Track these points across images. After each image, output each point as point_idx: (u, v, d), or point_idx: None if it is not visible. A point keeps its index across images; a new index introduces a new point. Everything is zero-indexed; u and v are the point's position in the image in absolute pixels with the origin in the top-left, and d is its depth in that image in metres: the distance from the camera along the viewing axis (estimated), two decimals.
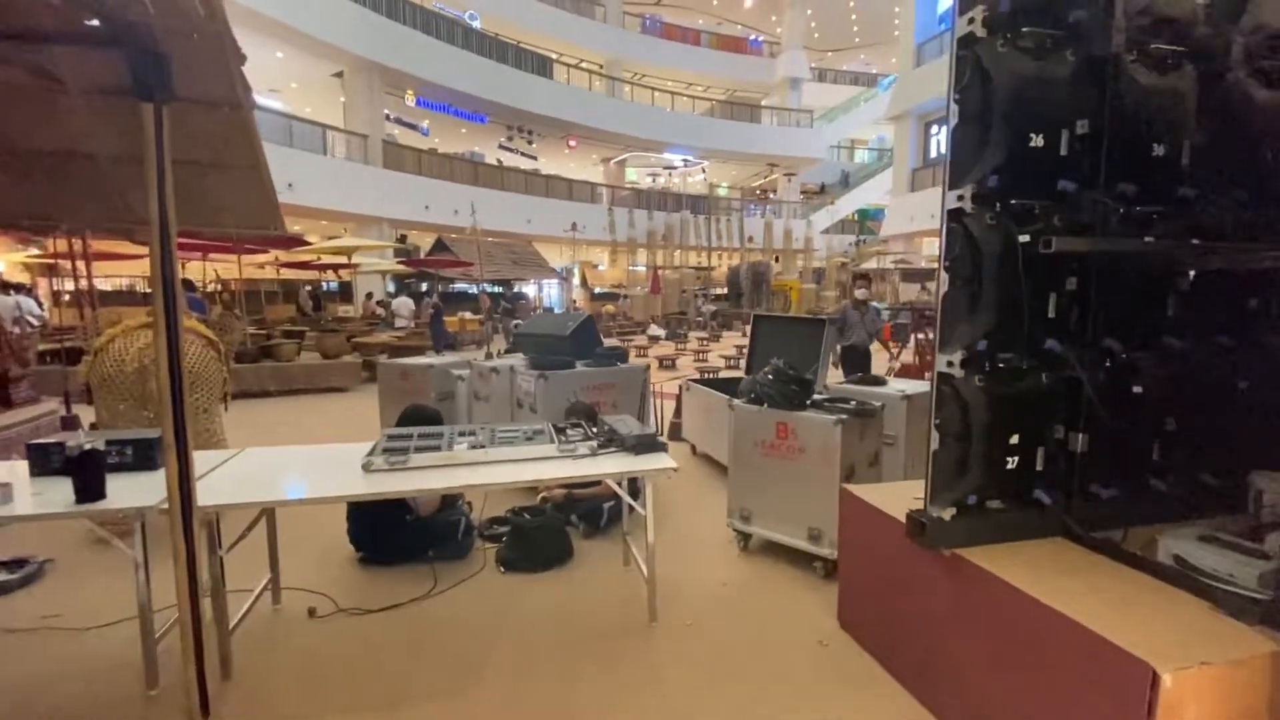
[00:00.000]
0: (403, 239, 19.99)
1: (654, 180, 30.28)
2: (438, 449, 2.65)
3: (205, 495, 2.10)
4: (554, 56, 25.03)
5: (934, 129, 23.17)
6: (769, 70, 30.94)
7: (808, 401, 3.30)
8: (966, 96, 1.89)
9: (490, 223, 15.62)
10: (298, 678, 2.40)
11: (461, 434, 2.82)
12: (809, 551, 3.19)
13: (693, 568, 3.27)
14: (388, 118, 20.73)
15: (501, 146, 25.21)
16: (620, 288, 26.50)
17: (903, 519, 2.30)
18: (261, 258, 13.75)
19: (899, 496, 2.53)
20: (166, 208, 1.83)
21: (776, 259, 27.39)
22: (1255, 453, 2.24)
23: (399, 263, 16.20)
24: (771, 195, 31.71)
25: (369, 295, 16.52)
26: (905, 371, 8.05)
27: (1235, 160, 2.04)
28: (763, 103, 30.65)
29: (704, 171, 29.53)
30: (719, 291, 26.19)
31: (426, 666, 2.45)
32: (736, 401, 3.44)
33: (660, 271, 23.66)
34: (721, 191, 31.83)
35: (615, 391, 4.49)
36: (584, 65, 26.60)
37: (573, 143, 26.26)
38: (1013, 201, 1.93)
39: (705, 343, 15.51)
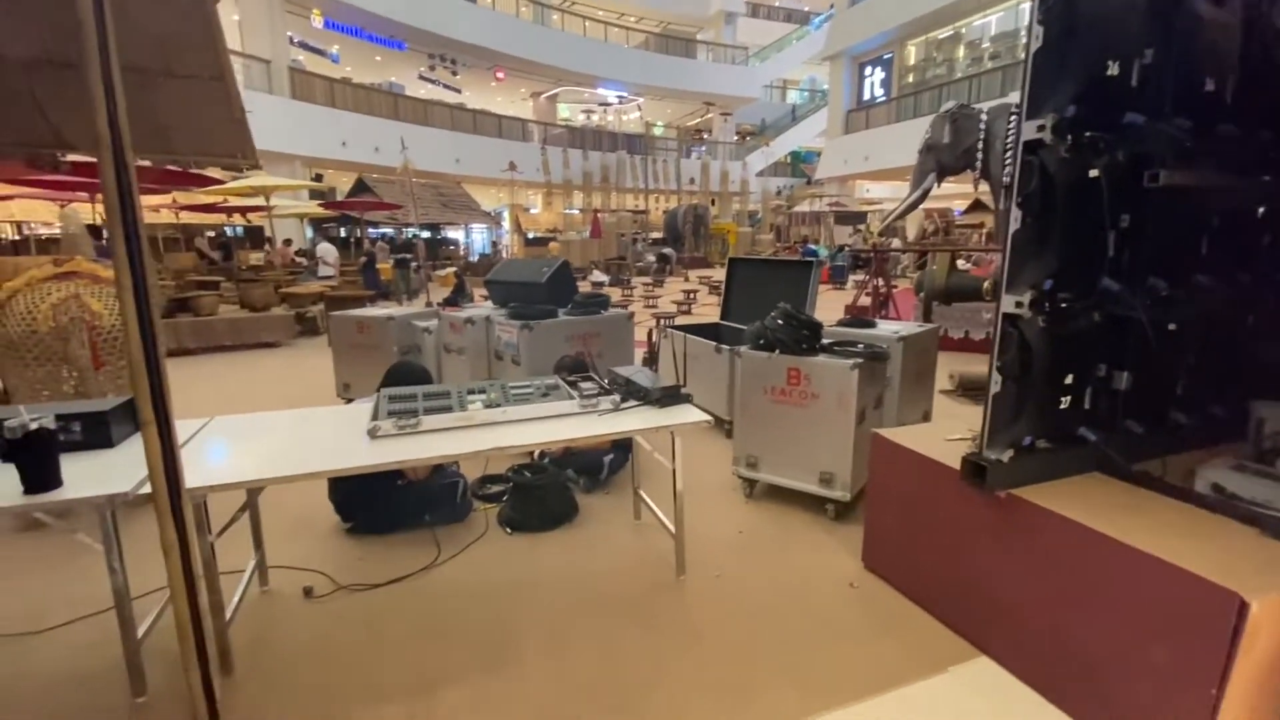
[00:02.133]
0: (318, 179, 18.34)
1: (588, 117, 29.03)
2: (449, 409, 2.40)
3: (188, 474, 1.80)
4: None
5: (868, 70, 23.27)
6: (703, 3, 29.85)
7: (818, 346, 3.24)
8: (1051, 15, 1.76)
9: (415, 161, 14.52)
10: (308, 666, 2.17)
11: (471, 392, 2.57)
12: (820, 495, 3.19)
13: (704, 517, 3.22)
14: (291, 41, 18.60)
15: (422, 77, 23.33)
16: (556, 232, 25.67)
17: (942, 461, 2.31)
18: (157, 199, 12.23)
19: (930, 438, 2.54)
20: (120, 127, 1.45)
21: (714, 202, 27.22)
22: (1257, 383, 2.36)
23: (318, 205, 14.86)
24: (706, 135, 31.19)
25: (287, 241, 15.16)
26: (860, 311, 8.23)
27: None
28: (698, 37, 29.68)
29: (640, 109, 28.56)
30: (655, 235, 25.88)
31: (450, 643, 2.29)
32: (744, 348, 3.33)
33: (599, 215, 23.01)
34: (658, 131, 31.01)
35: (600, 341, 4.30)
36: None
37: (500, 74, 24.65)
38: (1086, 134, 1.84)
39: (651, 288, 15.34)
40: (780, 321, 3.23)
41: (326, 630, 2.37)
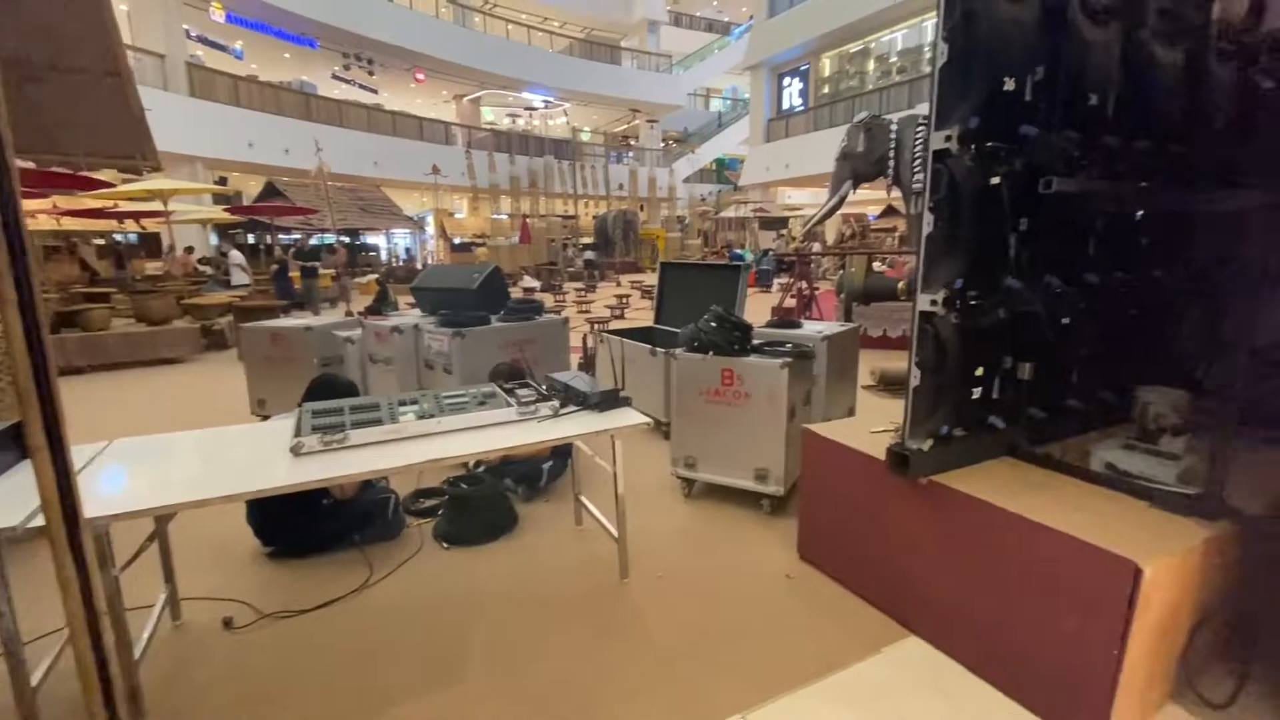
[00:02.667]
0: (223, 182, 17.16)
1: (514, 121, 28.63)
2: (379, 422, 2.30)
3: (86, 503, 1.64)
4: None
5: (787, 80, 24.17)
6: (626, 9, 30.13)
7: (749, 347, 3.33)
8: (955, 34, 1.90)
9: (331, 164, 13.80)
10: (231, 702, 2.03)
11: (402, 403, 2.47)
12: (756, 490, 3.28)
13: (645, 519, 3.23)
14: (189, 35, 17.36)
15: (335, 77, 22.34)
16: (483, 237, 25.12)
17: (869, 453, 2.43)
18: (34, 204, 11.09)
19: (856, 432, 2.67)
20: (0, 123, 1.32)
21: (642, 207, 27.47)
22: (1140, 370, 2.63)
23: (223, 210, 13.90)
24: (633, 142, 31.46)
25: (189, 249, 14.09)
26: (785, 312, 8.53)
27: (1153, 112, 2.27)
28: (622, 45, 29.91)
29: (566, 114, 28.44)
30: (586, 241, 25.84)
31: (390, 665, 2.19)
32: (679, 351, 3.38)
33: (528, 220, 22.74)
34: (585, 136, 30.99)
35: (535, 347, 4.25)
36: None
37: (420, 76, 23.95)
38: (988, 144, 2.00)
39: (584, 293, 15.29)
40: (713, 324, 3.31)
41: (251, 662, 2.22)
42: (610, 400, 2.60)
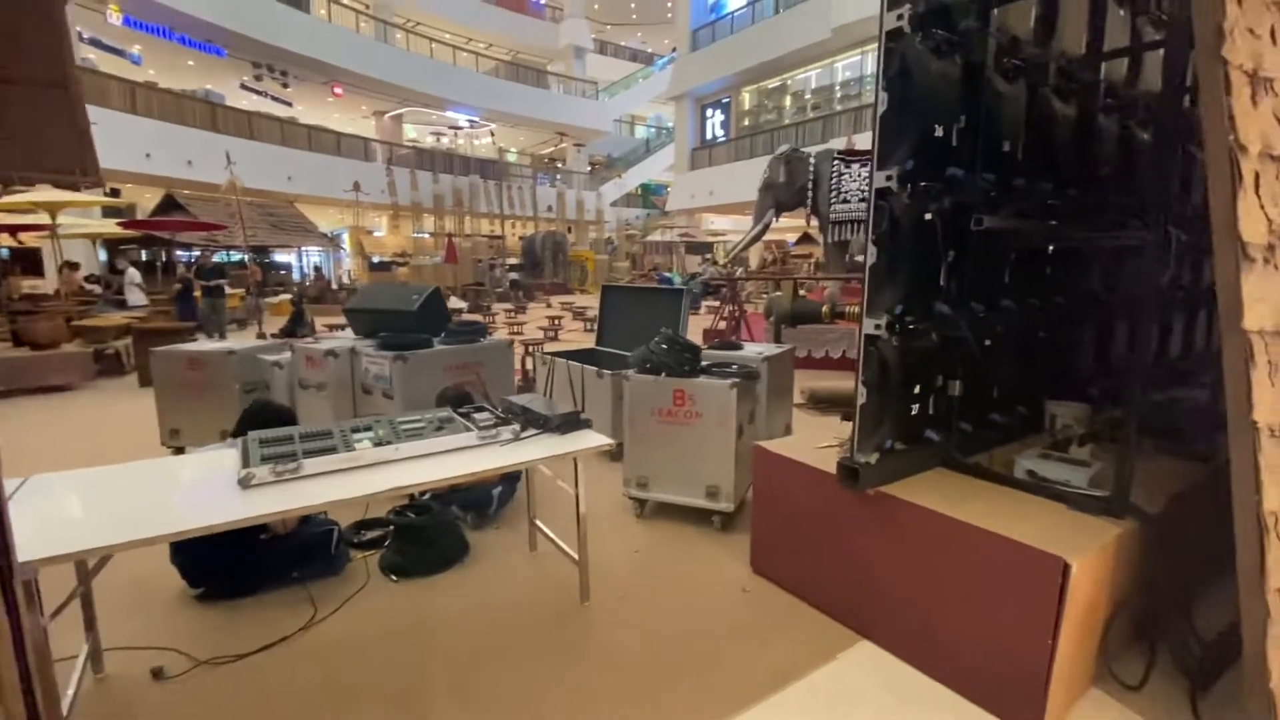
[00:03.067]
0: (115, 194, 15.78)
1: (438, 140, 28.08)
2: (333, 450, 2.22)
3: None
4: None
5: (709, 112, 25.12)
6: (552, 35, 30.46)
7: (698, 368, 3.44)
8: (893, 85, 2.10)
9: (243, 179, 12.98)
10: None
11: (356, 430, 2.39)
12: (707, 508, 3.37)
13: (600, 541, 3.23)
14: (80, 37, 16.01)
15: (244, 87, 21.16)
16: (405, 256, 24.29)
17: (817, 467, 2.57)
18: None
19: (804, 448, 2.81)
20: None
21: (570, 229, 27.56)
22: (1049, 386, 2.94)
23: (116, 224, 12.76)
24: (560, 165, 31.61)
25: (73, 265, 12.80)
26: (717, 334, 8.80)
27: (1054, 158, 2.59)
28: (549, 69, 30.15)
29: (492, 135, 28.22)
30: (513, 261, 25.59)
31: (343, 707, 2.09)
32: (631, 373, 3.45)
33: (454, 239, 22.28)
34: (511, 157, 30.82)
35: (481, 370, 4.18)
36: (346, 1, 23.41)
37: (338, 90, 23.13)
38: (922, 183, 2.21)
39: (513, 315, 15.10)
40: (664, 346, 3.40)
41: (186, 713, 2.05)
42: (571, 422, 2.63)
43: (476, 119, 27.17)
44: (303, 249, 23.86)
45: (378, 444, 2.30)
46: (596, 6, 31.94)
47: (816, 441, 2.93)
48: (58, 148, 1.62)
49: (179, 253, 17.22)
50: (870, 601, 2.41)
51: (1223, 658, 2.23)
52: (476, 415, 2.70)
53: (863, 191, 10.93)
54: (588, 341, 9.60)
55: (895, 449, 2.40)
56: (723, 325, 9.39)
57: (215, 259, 15.32)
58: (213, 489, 2.04)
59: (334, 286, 19.78)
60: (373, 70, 22.44)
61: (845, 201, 10.98)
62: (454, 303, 16.67)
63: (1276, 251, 1.75)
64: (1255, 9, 1.72)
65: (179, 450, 4.51)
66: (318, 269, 22.77)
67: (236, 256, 18.69)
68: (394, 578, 2.90)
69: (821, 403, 6.06)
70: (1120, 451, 2.11)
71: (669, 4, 28.96)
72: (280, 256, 23.43)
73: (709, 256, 24.97)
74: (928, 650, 2.22)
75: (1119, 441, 2.10)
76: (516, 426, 2.56)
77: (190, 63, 19.83)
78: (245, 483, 2.01)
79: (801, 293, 11.35)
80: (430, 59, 25.33)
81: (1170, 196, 2.16)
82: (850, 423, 4.57)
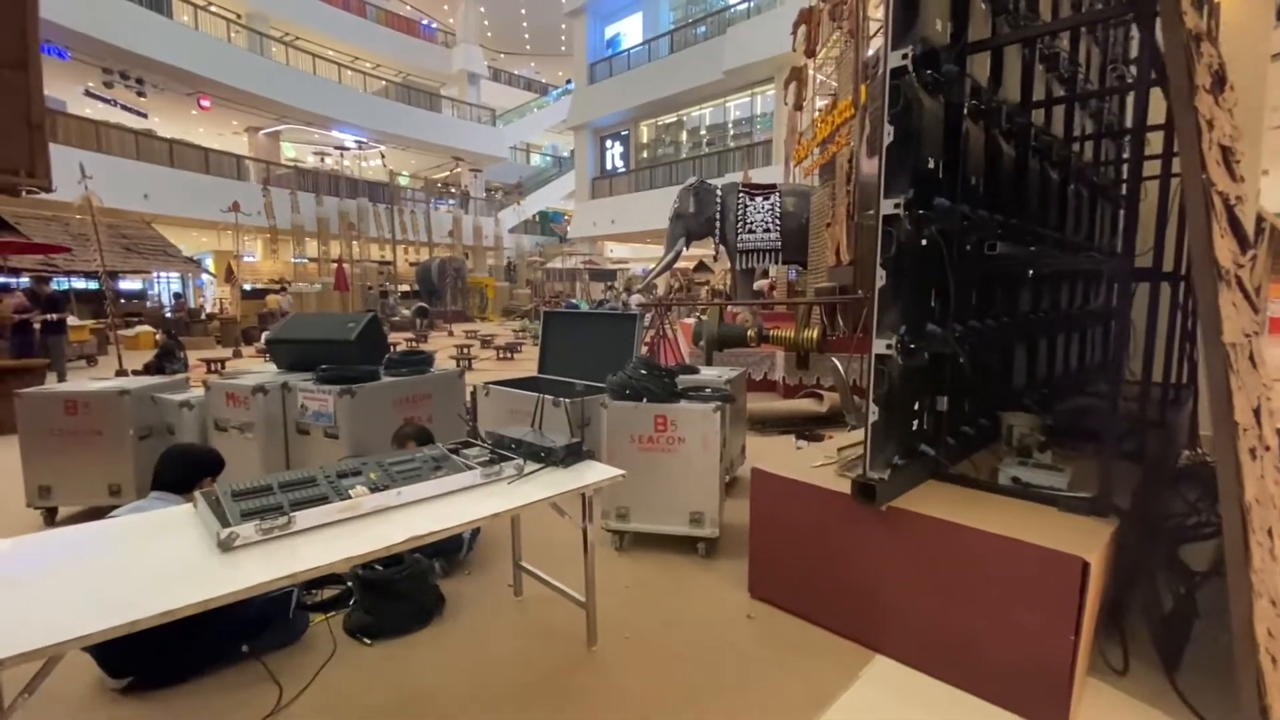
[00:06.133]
0: None
1: (322, 160, 26.33)
2: (324, 499, 1.93)
3: None
4: None
5: (609, 143, 25.64)
6: (444, 60, 29.86)
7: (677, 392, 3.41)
8: (897, 119, 2.23)
9: (100, 196, 11.30)
10: None
11: (342, 475, 2.10)
12: (691, 535, 3.31)
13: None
14: None
15: (90, 94, 18.75)
16: (283, 282, 22.29)
17: (824, 487, 2.61)
18: None
19: (800, 468, 2.85)
20: None
21: (467, 255, 26.78)
22: (1005, 399, 3.19)
23: None
24: (454, 190, 30.74)
25: None
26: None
27: (1010, 192, 2.86)
28: (441, 93, 29.43)
29: (383, 157, 26.92)
30: (405, 288, 24.40)
31: None
32: (609, 399, 3.34)
33: (343, 265, 20.85)
34: (404, 180, 29.53)
35: (431, 403, 3.88)
36: (214, 9, 21.57)
37: (205, 103, 21.11)
38: (920, 211, 2.34)
39: (415, 344, 14.29)
40: (644, 371, 3.33)
41: None
42: (575, 454, 2.48)
43: (365, 140, 25.84)
44: (159, 275, 21.27)
45: (374, 489, 2.03)
46: (490, 35, 31.81)
47: (788, 460, 2.99)
48: (2, 140, 1.30)
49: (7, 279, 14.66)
50: (883, 616, 2.45)
51: (1183, 632, 2.50)
52: (468, 451, 2.48)
53: (767, 223, 11.62)
54: (504, 371, 9.36)
55: (899, 464, 2.49)
56: (645, 350, 9.43)
57: (55, 286, 13.27)
58: (182, 556, 1.70)
59: (204, 317, 17.73)
60: (247, 83, 20.76)
61: (751, 232, 11.60)
62: None
63: (1230, 275, 2.02)
64: (1203, 71, 2.01)
65: (51, 512, 3.78)
66: (178, 296, 20.36)
67: (79, 284, 16.32)
68: (366, 641, 2.56)
69: (759, 423, 6.22)
70: (1102, 455, 2.32)
71: (563, 37, 29.47)
72: (127, 283, 20.67)
73: (613, 284, 25.21)
74: (948, 659, 2.28)
75: (1078, 448, 2.31)
76: (519, 462, 2.37)
77: None
78: (227, 544, 1.69)
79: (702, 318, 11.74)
80: (312, 75, 23.86)
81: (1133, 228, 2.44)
82: (810, 441, 4.70)
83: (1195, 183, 1.86)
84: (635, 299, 20.14)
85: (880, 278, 2.29)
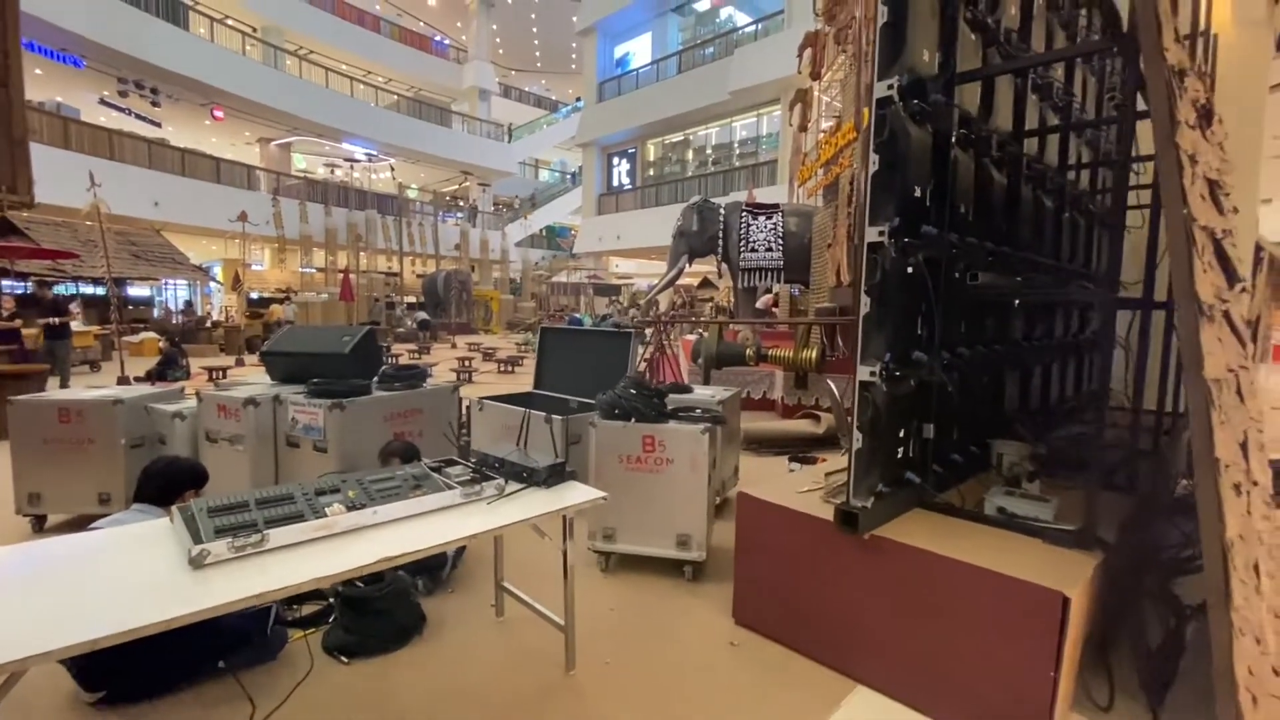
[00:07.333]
0: None
1: (332, 172, 26.66)
2: (300, 517, 1.93)
3: None
4: (188, 1, 20.08)
5: (616, 160, 25.87)
6: (456, 76, 30.32)
7: (666, 413, 3.40)
8: (883, 148, 2.24)
9: (108, 203, 11.44)
10: None
11: (320, 492, 2.10)
12: (678, 558, 3.28)
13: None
14: None
15: (105, 102, 19.10)
16: (289, 292, 22.46)
17: (806, 512, 2.59)
18: None
19: (786, 493, 2.83)
20: None
21: (473, 268, 26.96)
22: (997, 426, 3.17)
23: None
24: (462, 204, 31.03)
25: None
26: (642, 374, 8.80)
27: (1002, 220, 2.86)
28: (452, 109, 29.83)
29: (392, 169, 27.23)
30: (410, 300, 24.54)
31: None
32: (598, 419, 3.34)
33: (349, 276, 21.01)
34: (412, 193, 29.82)
35: (422, 419, 3.88)
36: (231, 22, 21.99)
37: (219, 114, 21.45)
38: (905, 240, 2.35)
39: (417, 356, 14.34)
40: (633, 390, 3.33)
41: None
42: (558, 474, 2.47)
43: (375, 153, 26.17)
44: (168, 282, 21.49)
45: (351, 507, 2.03)
46: (501, 51, 32.30)
47: (777, 484, 2.97)
48: None
49: (5, 283, 14.78)
50: (865, 646, 2.42)
51: (1170, 666, 2.45)
52: (450, 470, 2.48)
53: (769, 242, 11.68)
54: (503, 384, 9.39)
55: (883, 492, 2.47)
56: (643, 367, 9.44)
57: (57, 291, 13.42)
58: (153, 572, 1.70)
59: (210, 325, 17.85)
60: (260, 95, 21.12)
61: (753, 250, 11.65)
62: None
63: (1214, 310, 2.01)
64: (1186, 105, 2.02)
65: (40, 519, 3.79)
66: (188, 304, 20.52)
67: (87, 290, 16.47)
68: (344, 659, 2.55)
69: (755, 443, 6.20)
70: (1087, 488, 2.30)
71: (574, 55, 29.89)
72: (135, 290, 20.89)
73: (616, 299, 25.29)
74: (927, 691, 2.25)
75: (1068, 478, 2.29)
76: (500, 481, 2.37)
77: (38, 71, 17.59)
78: (198, 562, 1.69)
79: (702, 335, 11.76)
80: (325, 88, 24.25)
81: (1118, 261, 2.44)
82: (802, 464, 4.67)
83: (1177, 218, 1.86)
84: (613, 311, 20.15)
85: (865, 304, 2.29)
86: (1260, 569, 2.40)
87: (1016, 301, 3.20)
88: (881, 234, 2.24)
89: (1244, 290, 2.77)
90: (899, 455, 2.53)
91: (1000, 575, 2.06)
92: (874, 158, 2.24)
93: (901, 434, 2.52)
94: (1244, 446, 2.36)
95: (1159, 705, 2.25)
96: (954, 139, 2.61)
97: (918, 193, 2.40)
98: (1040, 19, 3.48)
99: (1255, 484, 2.54)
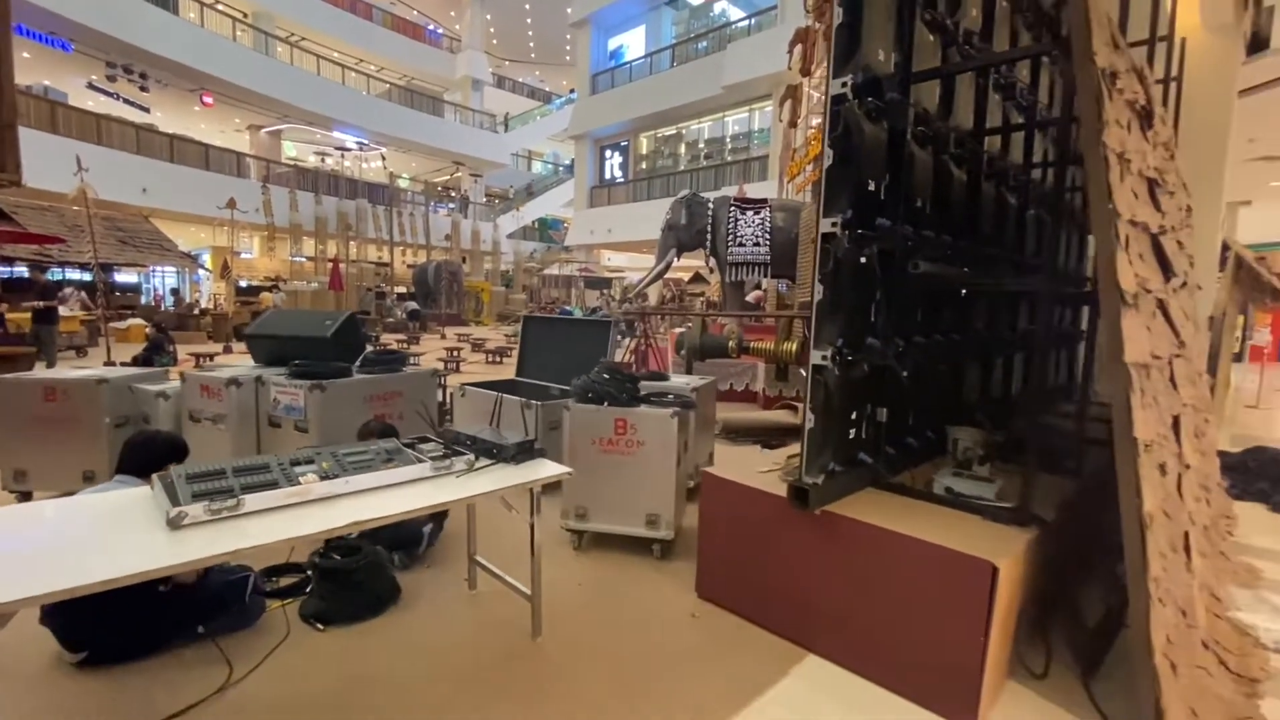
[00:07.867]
0: None
1: (323, 160, 26.52)
2: (275, 484, 2.03)
3: None
4: None
5: (608, 153, 25.87)
6: (449, 65, 30.15)
7: (638, 397, 3.52)
8: (837, 143, 2.35)
9: (96, 188, 11.41)
10: None
11: (295, 463, 2.20)
12: (647, 537, 3.41)
13: (543, 575, 3.16)
14: None
15: (93, 87, 18.92)
16: (278, 280, 22.37)
17: (764, 490, 2.72)
18: None
19: (747, 473, 2.95)
20: None
21: (465, 259, 26.93)
22: (953, 412, 3.31)
23: None
24: (454, 194, 30.95)
25: None
26: (628, 365, 8.91)
27: (954, 214, 2.99)
28: (445, 98, 29.69)
29: (383, 159, 27.11)
30: (400, 290, 24.51)
31: None
32: (572, 402, 3.45)
33: (339, 265, 20.97)
34: (403, 183, 29.71)
35: (402, 401, 3.98)
36: (221, 7, 21.81)
37: (208, 99, 21.29)
38: (859, 231, 2.47)
39: (406, 346, 14.38)
40: (606, 376, 3.45)
41: None
42: (526, 452, 2.58)
43: (366, 141, 26.04)
44: (156, 269, 21.41)
45: (324, 477, 2.13)
46: (495, 42, 32.15)
47: (759, 466, 3.09)
48: None
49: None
50: (815, 616, 2.56)
51: (1105, 641, 2.60)
52: (423, 446, 2.59)
53: (757, 236, 11.78)
54: (490, 374, 9.47)
55: (836, 471, 2.59)
56: (630, 358, 9.56)
57: (49, 277, 13.38)
58: (132, 532, 1.80)
59: (198, 312, 17.79)
60: (251, 82, 20.97)
61: (741, 245, 11.76)
62: None
63: (1139, 300, 2.15)
64: (1119, 106, 2.14)
65: (25, 496, 3.86)
66: (175, 291, 20.43)
67: (74, 275, 16.41)
68: (319, 626, 2.66)
69: (732, 433, 6.33)
70: (1024, 469, 2.43)
71: (568, 47, 29.80)
72: (122, 276, 20.81)
73: (606, 291, 25.37)
74: (871, 658, 2.38)
75: (1019, 462, 2.43)
76: (470, 457, 2.48)
77: (25, 55, 17.40)
78: (176, 523, 1.79)
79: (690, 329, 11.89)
80: (316, 76, 24.09)
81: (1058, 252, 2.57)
82: (772, 450, 4.82)
83: (1101, 212, 1.98)
84: (603, 303, 20.21)
85: (818, 292, 2.41)
86: (1191, 547, 2.55)
87: (964, 292, 3.33)
88: (834, 225, 2.36)
89: (1183, 285, 2.91)
90: (851, 436, 2.66)
91: (938, 546, 2.19)
92: (828, 152, 2.35)
93: (854, 416, 2.65)
94: (1175, 429, 2.51)
95: (1091, 675, 2.39)
96: (910, 135, 2.72)
97: (872, 187, 2.51)
98: (1004, 22, 3.60)
99: (1188, 467, 2.69)
